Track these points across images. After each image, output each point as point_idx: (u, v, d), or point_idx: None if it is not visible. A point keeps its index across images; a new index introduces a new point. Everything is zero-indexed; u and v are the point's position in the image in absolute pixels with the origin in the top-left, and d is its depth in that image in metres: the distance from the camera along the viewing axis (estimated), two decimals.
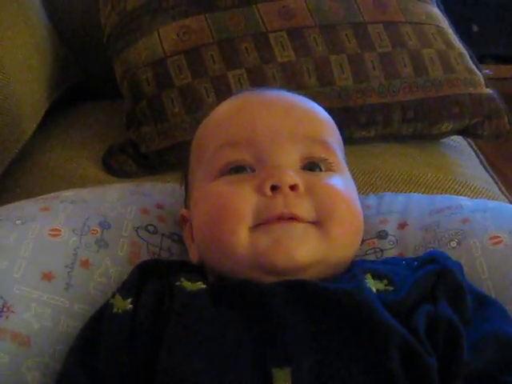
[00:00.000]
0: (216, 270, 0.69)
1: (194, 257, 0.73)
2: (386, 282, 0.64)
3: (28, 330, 0.66)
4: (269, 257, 0.63)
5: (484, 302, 0.65)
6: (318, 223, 0.65)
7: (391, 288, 0.63)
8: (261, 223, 0.65)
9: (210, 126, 0.76)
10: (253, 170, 0.69)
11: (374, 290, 0.62)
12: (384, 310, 0.58)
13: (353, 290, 0.61)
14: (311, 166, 0.70)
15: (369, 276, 0.64)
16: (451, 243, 0.76)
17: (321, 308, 0.59)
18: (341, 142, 0.77)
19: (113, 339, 0.61)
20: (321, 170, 0.70)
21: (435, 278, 0.64)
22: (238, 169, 0.69)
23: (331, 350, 0.56)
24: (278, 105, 0.74)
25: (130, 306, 0.64)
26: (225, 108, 0.77)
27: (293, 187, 0.65)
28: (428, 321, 0.59)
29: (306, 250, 0.63)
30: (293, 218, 0.64)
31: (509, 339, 0.59)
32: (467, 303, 0.63)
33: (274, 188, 0.65)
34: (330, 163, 0.71)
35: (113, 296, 0.67)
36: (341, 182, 0.70)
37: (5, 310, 0.66)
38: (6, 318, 0.65)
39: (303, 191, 0.66)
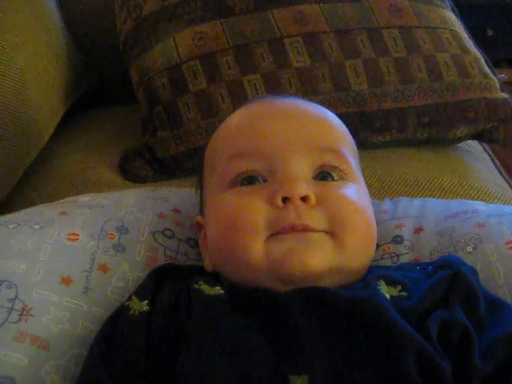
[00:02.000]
0: (230, 278, 0.69)
1: (208, 265, 0.73)
2: (399, 288, 0.64)
3: (47, 334, 0.66)
4: (284, 265, 0.63)
5: (497, 306, 0.65)
6: (331, 233, 0.65)
7: (405, 294, 0.63)
8: (274, 234, 0.65)
9: (222, 137, 0.76)
10: (264, 181, 0.69)
11: (388, 296, 0.62)
12: (399, 316, 0.58)
13: (367, 297, 0.61)
14: (324, 175, 0.70)
15: (382, 282, 0.64)
16: (467, 248, 0.76)
17: (336, 315, 0.59)
18: (354, 149, 0.77)
19: (129, 341, 0.61)
20: (333, 178, 0.70)
21: (448, 284, 0.64)
22: (249, 179, 0.69)
23: (347, 357, 0.56)
24: (290, 114, 0.74)
25: (147, 307, 0.64)
26: (236, 118, 0.77)
27: (304, 199, 0.65)
28: (441, 326, 0.59)
29: (320, 258, 0.63)
30: (306, 230, 0.64)
31: None
32: (480, 308, 0.63)
33: (285, 199, 0.65)
34: (343, 171, 0.70)
35: (129, 298, 0.67)
36: (353, 191, 0.69)
37: (24, 313, 0.66)
38: (26, 321, 0.66)
39: (315, 202, 0.65)
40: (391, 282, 0.65)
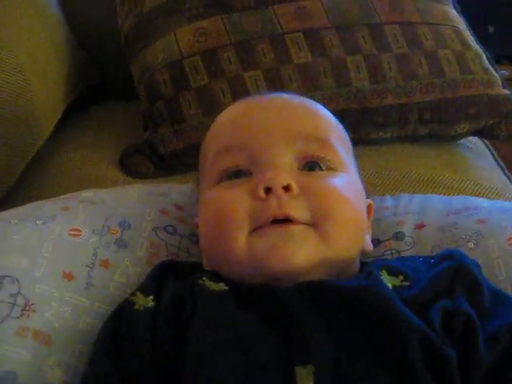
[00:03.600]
0: (226, 275, 0.68)
1: (205, 264, 0.73)
2: (401, 277, 0.64)
3: (49, 329, 0.66)
4: (266, 262, 0.63)
5: (501, 298, 0.65)
6: (315, 225, 0.64)
7: (407, 283, 0.63)
8: (258, 227, 0.64)
9: (208, 138, 0.77)
10: (250, 174, 0.69)
11: (390, 286, 0.62)
12: (402, 304, 0.58)
13: (369, 285, 0.61)
14: (310, 165, 0.69)
15: (384, 272, 0.64)
16: (468, 244, 0.76)
17: (339, 306, 0.59)
18: (345, 139, 0.76)
19: (134, 336, 0.61)
20: (321, 169, 0.69)
21: (452, 275, 0.63)
22: (235, 174, 0.69)
23: (352, 346, 0.56)
24: (272, 105, 0.74)
25: (152, 303, 0.64)
26: (222, 117, 0.78)
27: (286, 188, 0.65)
28: (445, 315, 0.58)
29: (303, 254, 0.63)
30: (288, 220, 0.64)
31: None
32: (484, 299, 0.63)
33: (268, 190, 0.65)
34: (330, 161, 0.70)
35: (133, 294, 0.67)
36: (340, 180, 0.69)
37: (26, 308, 0.66)
38: (28, 316, 0.66)
39: (297, 192, 0.65)
40: (393, 272, 0.64)
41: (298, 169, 0.69)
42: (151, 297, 0.65)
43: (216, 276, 0.67)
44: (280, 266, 0.62)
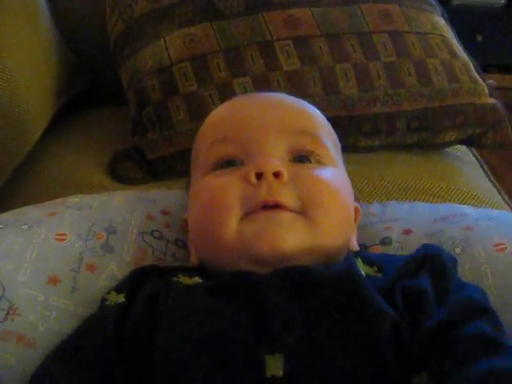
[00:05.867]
0: (213, 266, 0.69)
1: (193, 260, 0.74)
2: (375, 268, 0.65)
3: (33, 333, 0.66)
4: (254, 246, 0.64)
5: (466, 285, 0.66)
6: (303, 213, 0.66)
7: (380, 275, 0.65)
8: (248, 213, 0.65)
9: (203, 130, 0.78)
10: (242, 164, 0.70)
11: (364, 273, 0.63)
12: (374, 290, 0.59)
13: (343, 271, 0.62)
14: (300, 158, 0.71)
15: (359, 260, 0.66)
16: (456, 250, 0.76)
17: (311, 291, 0.60)
18: (335, 140, 0.78)
19: (100, 326, 0.62)
20: (311, 162, 0.71)
21: (421, 260, 0.64)
22: (228, 163, 0.71)
23: (322, 334, 0.56)
24: (267, 101, 0.77)
25: (123, 299, 0.65)
26: (217, 111, 0.79)
27: (277, 175, 0.66)
28: (403, 291, 0.60)
29: (291, 239, 0.64)
30: (277, 206, 0.65)
31: (473, 300, 0.60)
32: (449, 286, 0.63)
33: (259, 176, 0.66)
34: (320, 155, 0.72)
35: (108, 292, 0.68)
36: (329, 172, 0.70)
37: (11, 312, 0.66)
38: (12, 320, 0.66)
39: (288, 179, 0.66)
40: (368, 262, 0.66)
41: (289, 160, 0.70)
42: (123, 294, 0.66)
43: (193, 272, 0.68)
44: (267, 249, 0.63)
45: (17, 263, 0.71)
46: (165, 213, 0.87)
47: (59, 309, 0.69)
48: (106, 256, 0.76)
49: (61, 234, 0.76)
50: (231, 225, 0.65)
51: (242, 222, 0.65)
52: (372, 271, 0.65)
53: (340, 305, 0.58)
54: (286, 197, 0.65)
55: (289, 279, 0.61)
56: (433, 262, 0.64)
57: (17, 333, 0.65)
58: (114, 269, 0.75)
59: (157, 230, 0.82)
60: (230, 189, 0.67)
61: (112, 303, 0.65)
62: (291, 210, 0.65)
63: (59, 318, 0.68)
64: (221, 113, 0.78)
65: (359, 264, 0.65)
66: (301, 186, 0.67)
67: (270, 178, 0.66)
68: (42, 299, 0.69)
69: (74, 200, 0.86)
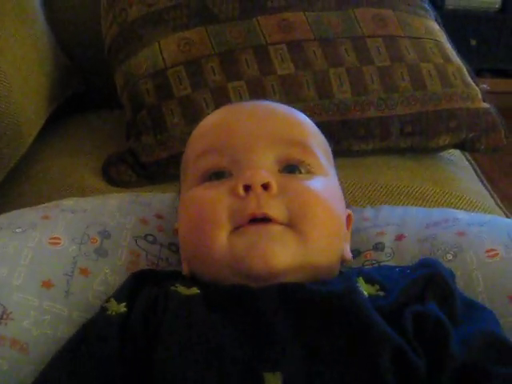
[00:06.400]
0: (203, 277, 0.69)
1: (185, 269, 0.73)
2: (377, 287, 0.64)
3: (27, 337, 0.66)
4: (245, 261, 0.63)
5: (473, 306, 0.65)
6: (292, 226, 0.65)
7: (382, 294, 0.63)
8: (238, 226, 0.65)
9: (193, 139, 0.77)
10: (231, 175, 0.69)
11: (366, 294, 0.62)
12: (376, 313, 0.58)
13: (345, 292, 0.60)
14: (290, 168, 0.70)
15: (361, 280, 0.64)
16: (447, 256, 0.77)
17: (312, 311, 0.59)
18: (326, 148, 0.77)
19: (105, 341, 0.61)
20: (300, 172, 0.70)
21: (425, 282, 0.63)
22: (216, 175, 0.70)
23: (322, 354, 0.56)
24: (256, 111, 0.75)
25: (124, 309, 0.64)
26: (207, 120, 0.78)
27: (265, 186, 0.65)
28: (415, 319, 0.58)
29: (283, 254, 0.63)
30: (266, 219, 0.64)
31: (497, 338, 0.59)
32: (456, 306, 0.63)
33: (247, 189, 0.65)
34: (310, 165, 0.71)
35: (107, 300, 0.67)
36: (318, 183, 0.69)
37: (4, 317, 0.66)
38: (5, 324, 0.66)
39: (276, 191, 0.66)
40: (370, 281, 0.65)
41: (279, 171, 0.69)
42: (124, 303, 0.65)
43: (191, 282, 0.67)
44: (260, 265, 0.62)
45: (10, 267, 0.71)
46: (158, 216, 0.87)
47: (53, 313, 0.69)
48: (99, 260, 0.76)
49: (55, 238, 0.76)
50: (221, 238, 0.65)
51: (232, 236, 0.65)
52: (374, 290, 0.63)
53: (341, 327, 0.57)
54: (275, 209, 0.65)
55: (284, 296, 0.60)
56: (437, 284, 0.63)
57: (10, 337, 0.65)
58: (108, 273, 0.75)
59: (150, 235, 0.82)
60: (218, 202, 0.66)
61: (114, 313, 0.64)
62: (280, 223, 0.65)
63: (53, 322, 0.68)
64: (210, 123, 0.77)
65: (361, 283, 0.63)
66: (290, 197, 0.66)
67: (259, 190, 0.65)
68: (36, 304, 0.69)
69: (68, 203, 0.86)
